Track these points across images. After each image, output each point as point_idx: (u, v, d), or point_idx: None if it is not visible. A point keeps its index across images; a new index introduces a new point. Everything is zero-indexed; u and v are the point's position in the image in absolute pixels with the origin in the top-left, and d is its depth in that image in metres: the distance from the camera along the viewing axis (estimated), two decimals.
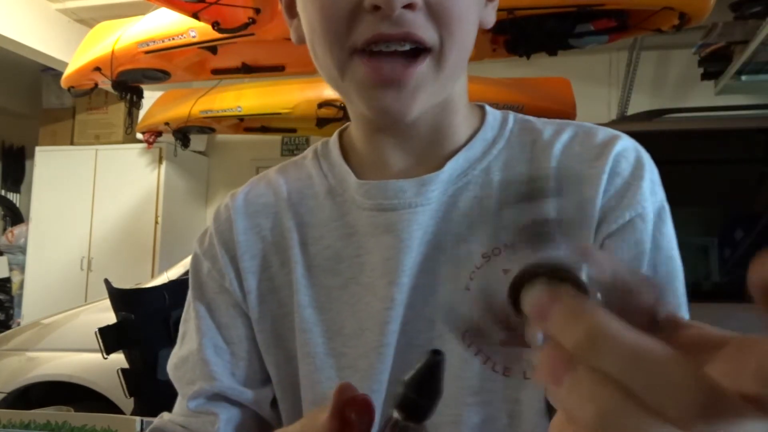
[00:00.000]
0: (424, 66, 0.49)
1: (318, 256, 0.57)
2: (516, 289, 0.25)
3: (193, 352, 0.58)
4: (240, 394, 0.57)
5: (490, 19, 0.56)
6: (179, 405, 0.59)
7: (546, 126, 0.57)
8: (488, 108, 0.60)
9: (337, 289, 0.56)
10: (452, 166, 0.55)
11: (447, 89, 0.54)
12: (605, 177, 0.52)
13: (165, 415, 0.60)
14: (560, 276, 0.24)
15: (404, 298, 0.53)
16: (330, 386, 0.53)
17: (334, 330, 0.55)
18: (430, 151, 0.57)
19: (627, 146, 0.54)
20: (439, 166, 0.55)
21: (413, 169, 0.56)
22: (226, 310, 0.59)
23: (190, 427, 0.57)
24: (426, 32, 0.48)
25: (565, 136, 0.55)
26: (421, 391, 0.30)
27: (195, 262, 0.62)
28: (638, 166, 0.53)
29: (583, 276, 0.23)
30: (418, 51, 0.49)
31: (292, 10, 0.57)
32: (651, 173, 0.53)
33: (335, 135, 0.63)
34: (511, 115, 0.60)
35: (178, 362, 0.60)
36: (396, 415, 0.31)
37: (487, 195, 0.54)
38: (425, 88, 0.50)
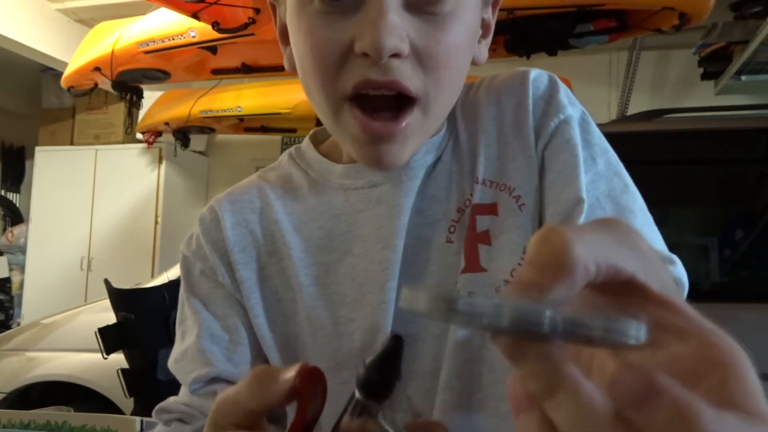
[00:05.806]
0: (411, 118, 0.51)
1: (312, 236, 0.60)
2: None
3: (191, 345, 0.60)
4: (237, 377, 0.59)
5: (483, 56, 0.58)
6: (181, 393, 0.61)
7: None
8: None
9: (335, 263, 0.59)
10: (431, 142, 0.59)
11: (435, 127, 0.57)
12: (530, 102, 0.57)
13: (170, 399, 0.61)
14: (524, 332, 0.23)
15: (399, 258, 0.56)
16: (348, 351, 0.56)
17: (337, 302, 0.58)
18: None
19: (539, 72, 0.59)
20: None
21: None
22: (222, 302, 0.61)
23: (192, 405, 0.58)
24: (412, 81, 0.50)
25: (489, 77, 0.61)
26: (381, 372, 0.32)
27: (185, 264, 0.64)
28: (552, 83, 0.58)
29: (546, 321, 0.22)
30: (405, 99, 0.50)
31: (285, 38, 0.58)
32: (564, 89, 0.58)
33: (307, 140, 0.65)
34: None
35: (178, 356, 0.62)
36: (357, 394, 0.33)
37: (458, 158, 0.59)
38: (414, 138, 0.53)
